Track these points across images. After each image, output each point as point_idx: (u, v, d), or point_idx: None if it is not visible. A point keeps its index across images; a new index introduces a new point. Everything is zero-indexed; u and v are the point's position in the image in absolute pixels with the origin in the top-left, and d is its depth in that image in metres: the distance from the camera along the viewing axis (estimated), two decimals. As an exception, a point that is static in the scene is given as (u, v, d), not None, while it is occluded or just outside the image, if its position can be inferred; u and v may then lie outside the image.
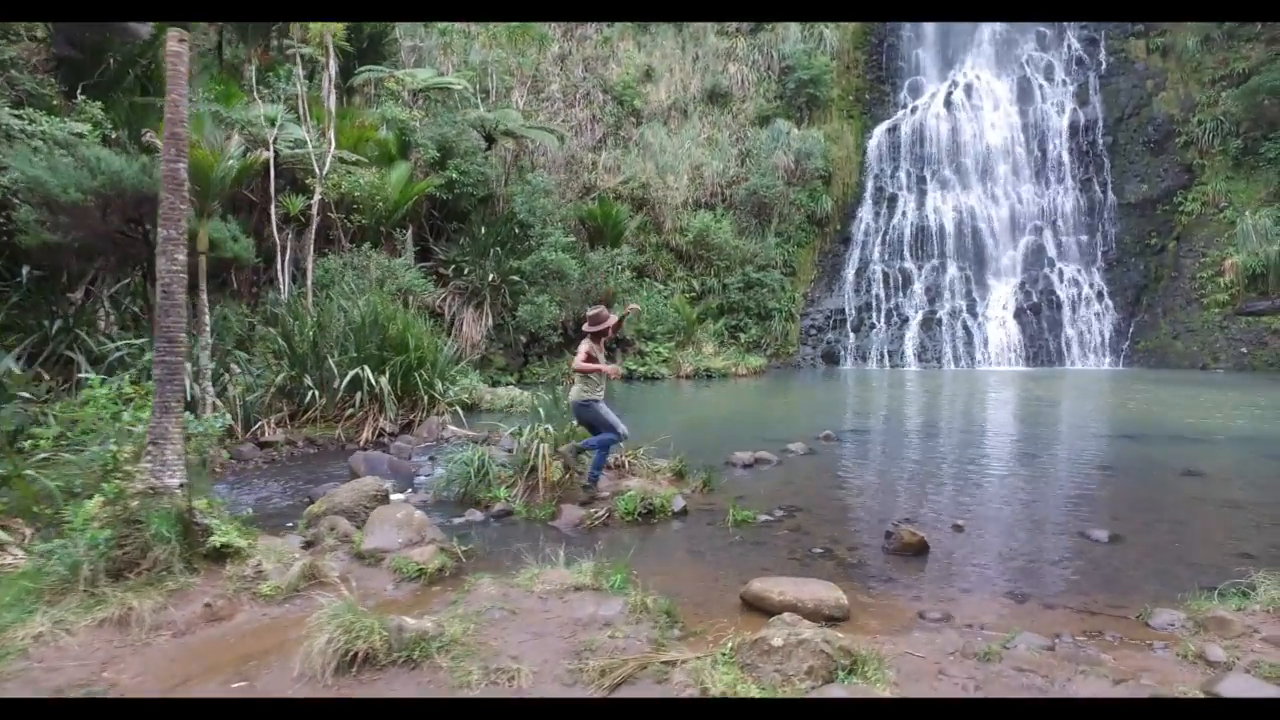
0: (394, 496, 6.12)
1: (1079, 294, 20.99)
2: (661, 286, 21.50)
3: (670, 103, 25.64)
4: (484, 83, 22.06)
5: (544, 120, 22.69)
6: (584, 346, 6.31)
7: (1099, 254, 21.72)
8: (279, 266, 12.11)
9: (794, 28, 26.02)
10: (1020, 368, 20.07)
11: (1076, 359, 20.28)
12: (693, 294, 21.89)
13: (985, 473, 7.68)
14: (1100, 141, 22.69)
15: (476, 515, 5.89)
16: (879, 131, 24.82)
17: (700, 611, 3.86)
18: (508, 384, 14.56)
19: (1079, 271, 21.43)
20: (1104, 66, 23.84)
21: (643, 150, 24.00)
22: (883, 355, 21.30)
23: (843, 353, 21.75)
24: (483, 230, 17.21)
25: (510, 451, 6.70)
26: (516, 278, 17.15)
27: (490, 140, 19.22)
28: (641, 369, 18.29)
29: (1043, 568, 4.74)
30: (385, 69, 19.20)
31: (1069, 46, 24.52)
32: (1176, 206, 21.34)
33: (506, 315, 17.04)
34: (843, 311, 22.50)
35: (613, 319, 6.50)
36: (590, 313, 6.50)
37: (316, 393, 9.85)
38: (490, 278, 16.77)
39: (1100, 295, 20.98)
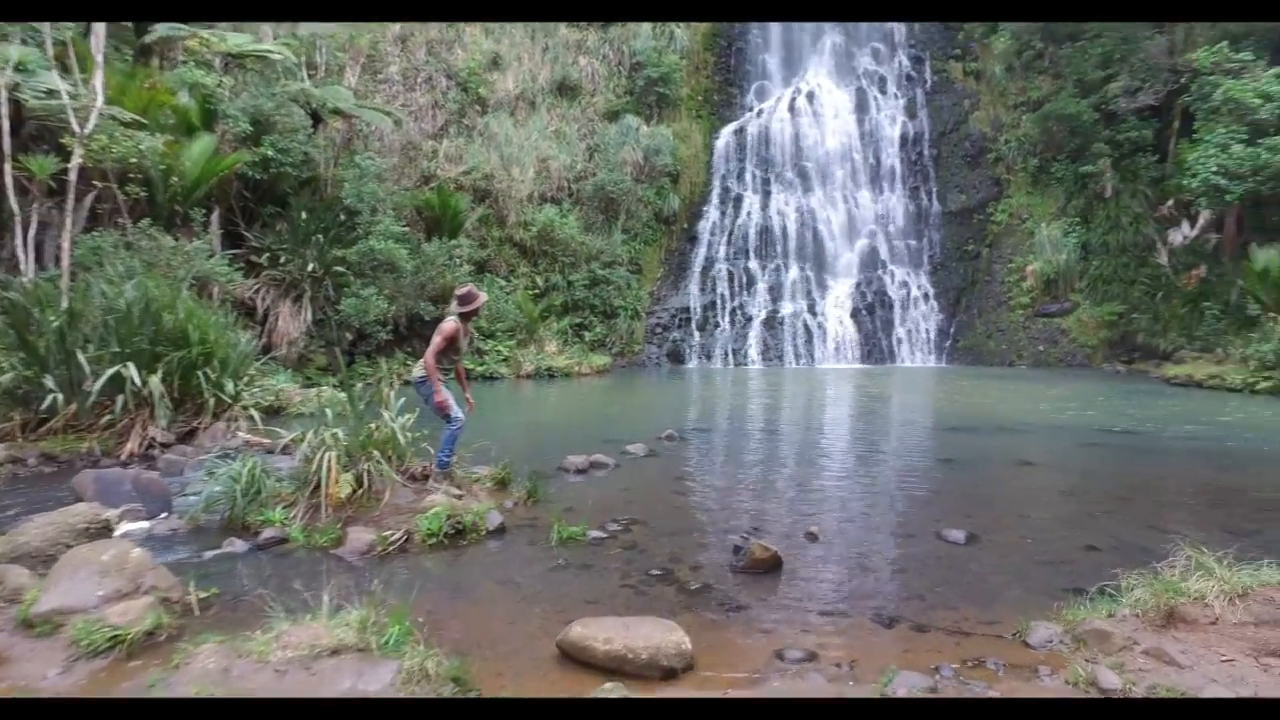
0: (125, 528, 4.72)
1: (908, 295, 22.14)
2: (503, 282, 20.35)
3: (518, 93, 24.49)
4: (312, 56, 19.86)
5: (381, 103, 20.82)
6: (447, 328, 5.65)
7: (925, 258, 23.05)
8: (19, 241, 9.85)
9: (645, 25, 25.73)
10: (857, 365, 20.82)
11: (906, 357, 21.34)
12: (536, 291, 20.91)
13: (832, 472, 7.35)
14: (927, 153, 24.14)
15: (238, 545, 4.63)
16: (726, 132, 25.06)
17: (505, 669, 2.98)
18: (329, 385, 12.90)
19: (908, 274, 22.62)
20: (929, 84, 25.43)
21: (487, 140, 22.70)
22: (727, 354, 21.37)
23: (688, 351, 21.60)
24: (304, 216, 15.24)
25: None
26: (341, 269, 15.39)
27: (317, 119, 17.23)
28: (480, 369, 17.09)
29: (906, 578, 4.28)
30: (187, 29, 16.68)
31: (900, 63, 25.97)
32: (989, 217, 23.07)
33: (329, 310, 15.25)
34: (688, 310, 22.39)
35: (483, 298, 5.80)
36: (460, 291, 5.79)
37: (60, 397, 7.96)
38: (311, 268, 14.90)
39: (926, 297, 22.24)
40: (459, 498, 5.21)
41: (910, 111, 24.80)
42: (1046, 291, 20.83)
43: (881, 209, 23.55)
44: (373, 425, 5.29)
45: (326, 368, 14.68)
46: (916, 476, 7.19)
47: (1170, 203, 20.07)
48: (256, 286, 14.74)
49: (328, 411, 5.21)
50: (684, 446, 8.67)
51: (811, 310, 21.78)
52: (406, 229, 17.20)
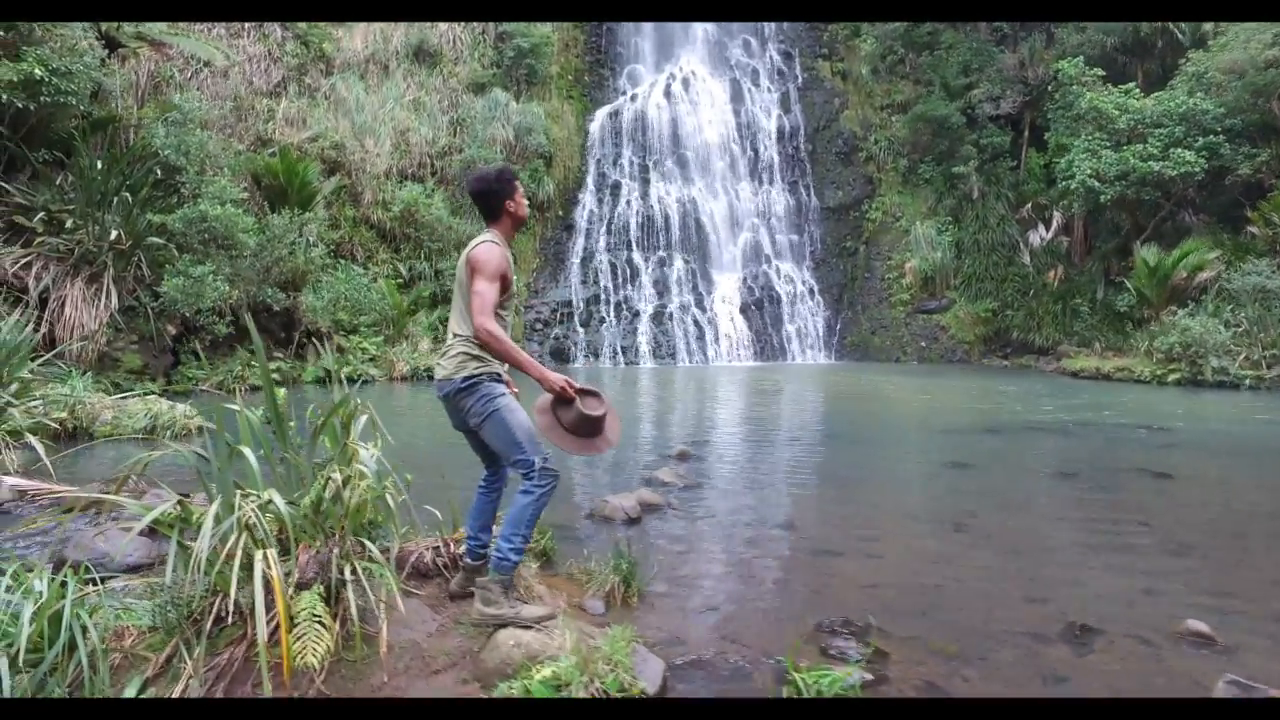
0: None
1: (794, 291, 21.78)
2: (362, 269, 17.45)
3: (369, 54, 21.40)
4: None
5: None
6: (492, 256, 2.97)
7: (807, 253, 22.86)
8: None
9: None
10: (751, 363, 20.06)
11: (797, 354, 20.92)
12: (400, 280, 18.18)
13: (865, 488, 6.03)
14: (802, 148, 24.01)
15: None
16: (601, 115, 23.49)
17: None
18: (146, 393, 9.75)
19: (793, 269, 22.29)
20: (800, 80, 25.41)
21: (335, 105, 19.53)
22: (617, 351, 19.81)
23: (573, 349, 19.80)
24: (99, 167, 11.60)
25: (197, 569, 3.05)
26: (159, 240, 12.01)
27: (112, 44, 13.51)
28: (345, 369, 14.25)
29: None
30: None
31: (771, 58, 25.74)
32: (864, 214, 23.32)
33: (143, 293, 11.83)
34: (570, 304, 20.58)
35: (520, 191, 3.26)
36: (486, 173, 3.21)
37: None
38: (115, 236, 11.41)
39: (811, 292, 22.01)
40: (547, 623, 2.84)
41: (785, 106, 24.62)
42: (924, 288, 21.27)
43: (763, 202, 23.08)
44: (335, 476, 2.82)
45: (143, 370, 11.31)
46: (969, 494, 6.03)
47: (1029, 206, 21.23)
48: (25, 259, 11.07)
49: (221, 450, 2.90)
50: (728, 467, 6.94)
51: (700, 305, 20.76)
52: (246, 195, 13.99)
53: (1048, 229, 20.95)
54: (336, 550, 2.71)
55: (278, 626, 2.35)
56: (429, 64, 22.12)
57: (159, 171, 12.54)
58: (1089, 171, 16.97)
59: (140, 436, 7.59)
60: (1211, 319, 14.56)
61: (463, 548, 3.24)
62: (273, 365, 12.98)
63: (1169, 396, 12.53)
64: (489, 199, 3.15)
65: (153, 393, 10.12)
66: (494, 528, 3.22)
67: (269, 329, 14.09)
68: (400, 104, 20.51)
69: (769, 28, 26.59)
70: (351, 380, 14.08)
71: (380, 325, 16.04)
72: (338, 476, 2.82)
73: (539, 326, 20.07)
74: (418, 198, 18.58)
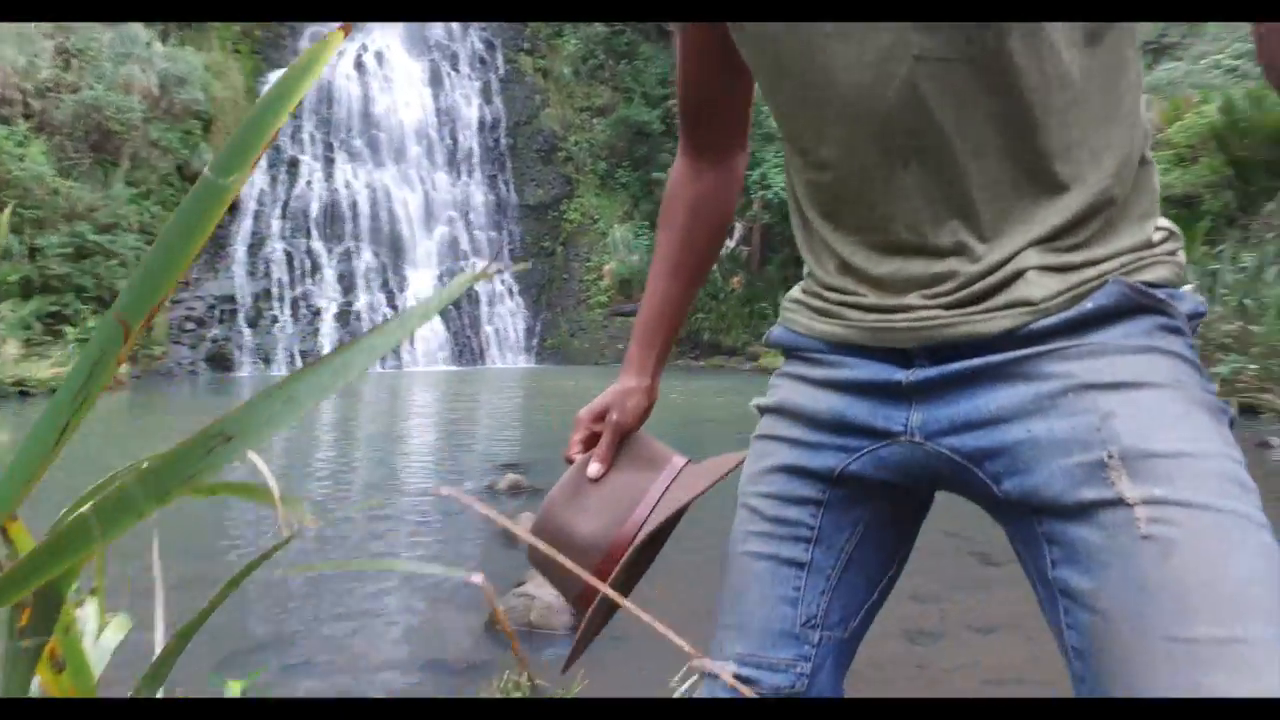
0: None
1: (494, 291, 21.05)
2: (-90, 244, 12.86)
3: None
4: None
5: None
6: None
7: (506, 251, 22.25)
8: None
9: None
10: (449, 367, 18.89)
11: (496, 357, 20.22)
12: (-24, 260, 13.81)
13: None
14: (503, 141, 23.31)
15: None
16: (276, 78, 20.32)
17: None
18: None
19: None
20: (502, 71, 24.62)
21: None
22: (294, 357, 17.29)
23: (238, 354, 16.84)
24: None
25: None
26: None
27: None
28: None
29: None
30: None
31: (472, 44, 24.55)
32: (562, 214, 23.39)
33: None
34: (233, 299, 17.48)
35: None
36: None
37: None
38: None
39: (511, 293, 21.47)
40: None
41: (486, 96, 23.67)
42: (621, 291, 21.95)
43: (460, 195, 21.93)
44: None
45: None
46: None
47: (712, 219, 23.02)
48: None
49: None
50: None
51: (392, 304, 19.04)
52: None
53: (731, 238, 22.96)
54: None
55: None
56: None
57: None
58: (782, 184, 18.83)
59: None
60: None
61: None
62: None
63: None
64: None
65: None
66: None
67: None
68: (-23, 26, 15.57)
69: (470, 10, 25.33)
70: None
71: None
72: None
73: (190, 327, 16.68)
74: (2, 143, 14.26)
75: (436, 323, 19.38)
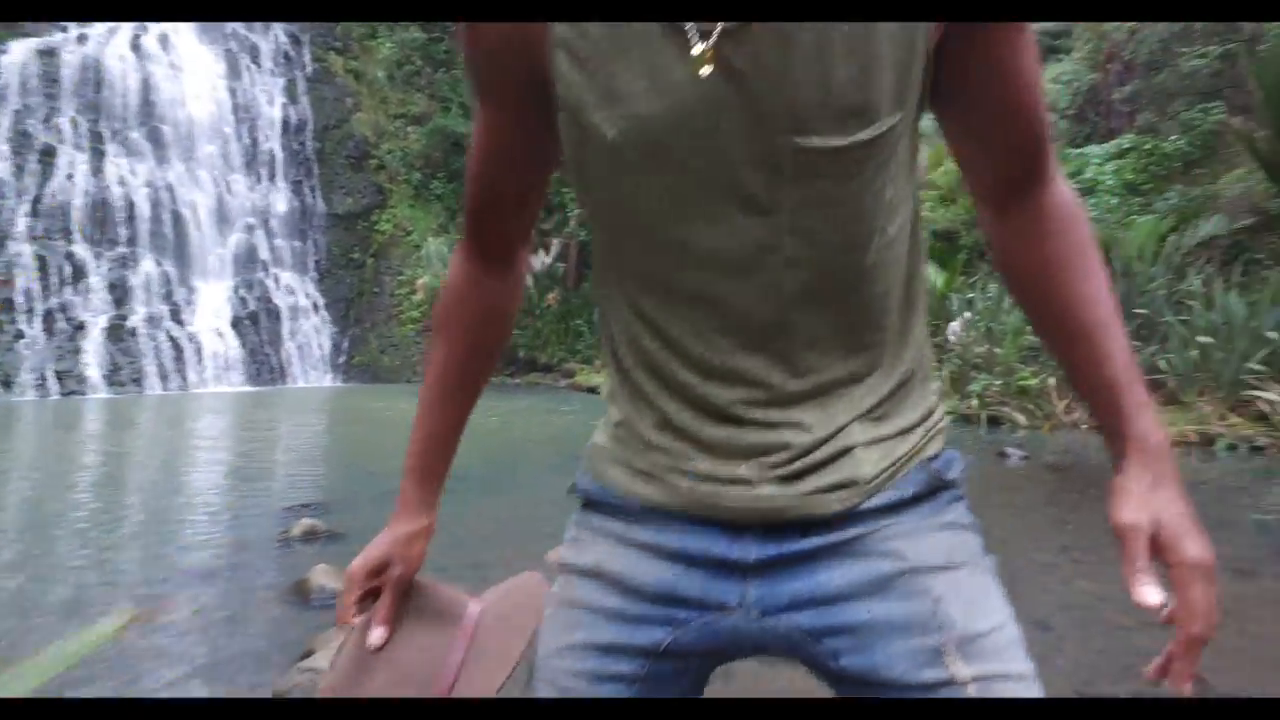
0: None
1: (296, 304, 19.69)
2: None
3: None
4: None
5: None
6: None
7: (312, 263, 20.92)
8: None
9: None
10: (244, 388, 17.38)
11: (299, 375, 18.91)
12: None
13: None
14: (310, 145, 21.92)
15: None
16: (23, 50, 17.70)
17: None
18: None
19: (295, 279, 20.13)
20: (310, 70, 23.16)
21: None
22: (44, 379, 15.08)
23: (-34, 372, 14.47)
24: None
25: None
26: None
27: None
28: None
29: None
30: None
31: (276, 38, 22.85)
32: (374, 225, 22.42)
33: None
34: (-39, 308, 15.01)
35: None
36: None
37: None
38: None
39: (316, 307, 20.20)
40: None
41: (291, 95, 22.14)
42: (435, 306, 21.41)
43: (260, 200, 20.33)
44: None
45: None
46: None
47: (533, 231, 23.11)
48: None
49: None
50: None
51: (177, 318, 17.22)
52: None
53: (548, 253, 23.17)
54: None
55: None
56: None
57: None
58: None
59: None
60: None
61: None
62: None
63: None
64: None
65: None
66: None
67: None
68: None
69: (272, 0, 23.59)
70: None
71: None
72: None
73: (-95, 339, 14.09)
74: None
75: (229, 337, 17.79)
